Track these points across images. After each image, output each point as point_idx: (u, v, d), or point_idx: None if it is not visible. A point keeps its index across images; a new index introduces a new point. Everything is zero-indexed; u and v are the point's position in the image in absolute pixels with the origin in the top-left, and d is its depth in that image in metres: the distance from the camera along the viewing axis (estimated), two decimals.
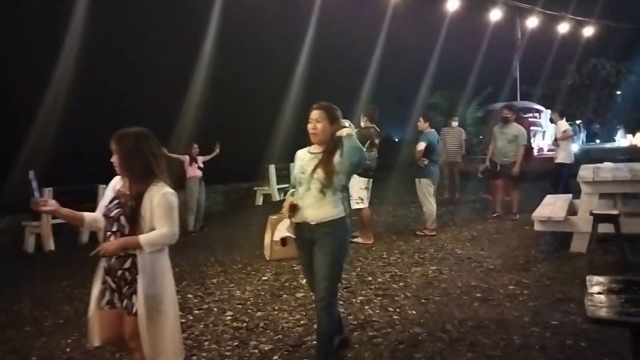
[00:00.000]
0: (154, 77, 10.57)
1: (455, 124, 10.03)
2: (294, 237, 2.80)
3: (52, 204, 2.32)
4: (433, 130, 6.67)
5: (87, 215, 2.47)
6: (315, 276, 2.73)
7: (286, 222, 2.82)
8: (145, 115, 10.00)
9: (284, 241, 2.87)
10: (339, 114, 2.81)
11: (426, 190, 6.49)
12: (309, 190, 2.73)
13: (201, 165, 8.50)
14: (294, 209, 2.75)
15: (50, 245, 7.37)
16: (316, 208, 2.71)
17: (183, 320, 3.89)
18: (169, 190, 2.38)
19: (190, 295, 4.54)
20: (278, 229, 2.87)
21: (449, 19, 14.71)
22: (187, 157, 8.35)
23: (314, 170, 2.72)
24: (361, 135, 6.13)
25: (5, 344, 3.74)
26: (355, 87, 16.35)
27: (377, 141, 6.23)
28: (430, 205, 6.49)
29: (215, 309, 4.12)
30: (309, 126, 2.79)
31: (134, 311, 2.32)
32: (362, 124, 6.28)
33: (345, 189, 2.80)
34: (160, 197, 2.32)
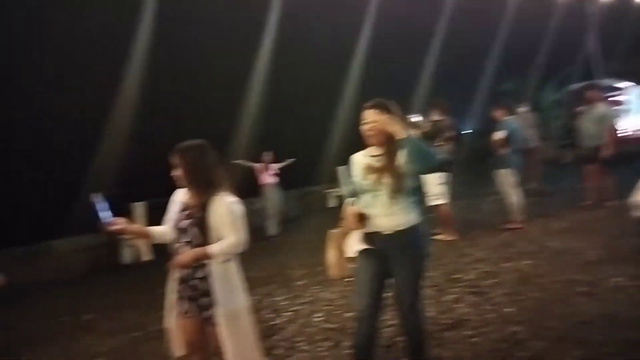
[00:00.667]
0: (216, 86, 11.00)
1: (524, 109, 9.49)
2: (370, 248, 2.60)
3: (119, 223, 2.46)
4: (511, 117, 6.36)
5: (154, 229, 2.61)
6: (396, 287, 2.58)
7: (355, 235, 2.63)
8: (212, 124, 10.42)
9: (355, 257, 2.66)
10: (396, 109, 2.60)
11: (508, 181, 6.19)
12: (378, 197, 2.53)
13: (276, 171, 8.71)
14: (362, 218, 2.55)
15: (146, 255, 7.88)
16: (388, 215, 2.51)
17: (275, 322, 4.00)
18: (232, 199, 2.46)
19: (278, 298, 4.66)
20: (349, 244, 2.67)
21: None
22: (260, 165, 8.58)
23: (380, 174, 2.52)
24: (435, 129, 6.01)
25: (118, 349, 4.04)
26: (417, 80, 15.95)
27: (452, 134, 6.05)
28: (514, 196, 6.19)
29: (304, 311, 4.19)
30: (365, 127, 2.57)
31: (212, 321, 2.41)
32: (435, 117, 6.13)
33: (417, 191, 2.60)
34: (225, 207, 2.41)
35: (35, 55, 8.77)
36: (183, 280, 2.47)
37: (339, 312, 4.05)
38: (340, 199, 12.47)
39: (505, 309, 3.61)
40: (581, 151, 7.05)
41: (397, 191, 2.49)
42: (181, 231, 2.46)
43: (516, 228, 6.09)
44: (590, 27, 16.14)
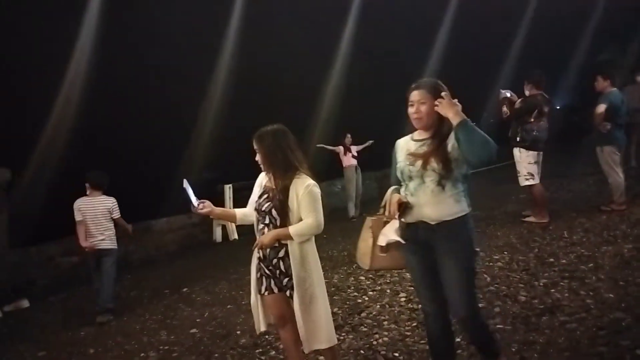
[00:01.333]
0: (297, 74, 11.27)
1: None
2: (403, 241, 2.35)
3: (207, 206, 2.65)
4: (615, 89, 5.79)
5: (238, 211, 2.76)
6: (445, 289, 2.31)
7: (393, 224, 2.40)
8: (294, 110, 10.71)
9: (387, 247, 2.42)
10: (444, 90, 2.30)
11: (611, 159, 5.68)
12: (424, 184, 2.30)
13: (355, 154, 8.74)
14: (403, 207, 2.31)
15: (234, 234, 8.35)
16: (435, 204, 2.27)
17: (359, 301, 4.08)
18: (311, 182, 2.51)
19: (362, 278, 4.72)
20: (383, 233, 2.44)
21: None
22: (341, 148, 8.66)
23: (426, 159, 2.28)
24: (528, 105, 5.66)
25: (214, 320, 4.37)
26: (511, 51, 15.01)
27: (546, 110, 5.66)
28: (617, 175, 5.68)
29: (388, 291, 4.22)
30: (411, 110, 2.36)
31: (289, 295, 2.53)
32: (527, 92, 5.77)
33: (467, 179, 2.34)
34: (304, 189, 2.47)
35: (140, 49, 9.53)
36: (264, 260, 2.58)
37: None
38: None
39: (606, 295, 3.38)
40: None
41: (445, 178, 2.26)
42: (262, 213, 2.57)
43: (618, 210, 5.61)
44: None
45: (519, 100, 5.79)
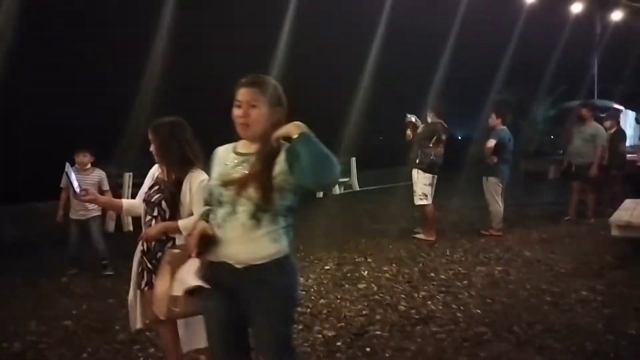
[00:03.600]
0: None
1: None
2: (207, 286, 1.78)
3: (90, 194, 2.60)
4: (505, 127, 6.45)
5: (125, 202, 2.72)
6: (257, 345, 1.88)
7: (193, 264, 1.82)
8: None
9: (184, 297, 1.85)
10: (283, 98, 1.85)
11: (493, 189, 6.31)
12: (235, 215, 1.74)
13: None
14: (206, 241, 1.76)
15: (128, 225, 7.91)
16: (244, 242, 1.74)
17: None
18: (204, 176, 2.45)
19: None
20: (179, 278, 1.86)
21: (523, 11, 14.01)
22: None
23: (243, 183, 1.73)
24: (428, 131, 6.10)
25: (92, 313, 4.10)
26: (421, 81, 16.06)
27: (444, 137, 6.14)
28: (497, 204, 6.31)
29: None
30: (237, 112, 1.78)
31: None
32: (429, 120, 6.21)
33: (291, 212, 1.81)
34: (198, 184, 2.43)
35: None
36: (147, 253, 2.49)
37: (314, 297, 4.14)
38: (348, 187, 12.63)
39: (474, 310, 3.73)
40: (568, 167, 7.21)
41: (263, 210, 1.72)
42: (151, 205, 2.48)
43: (495, 235, 6.23)
44: (595, 47, 16.24)
45: (422, 126, 6.23)
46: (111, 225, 8.07)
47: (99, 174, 5.10)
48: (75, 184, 2.54)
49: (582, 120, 7.12)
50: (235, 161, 1.82)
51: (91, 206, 4.90)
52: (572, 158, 7.14)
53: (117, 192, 7.42)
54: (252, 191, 1.72)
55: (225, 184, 1.77)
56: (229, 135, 1.89)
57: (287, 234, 1.81)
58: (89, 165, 5.05)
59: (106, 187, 5.12)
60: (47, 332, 3.72)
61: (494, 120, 6.45)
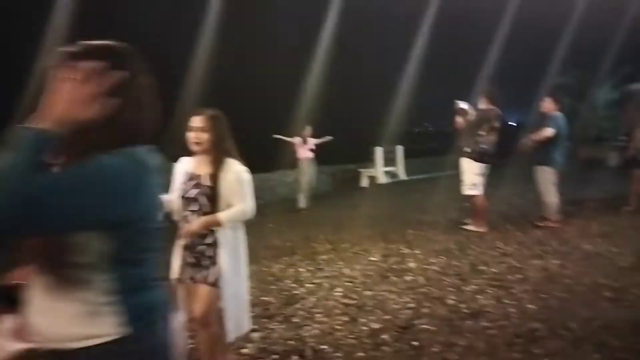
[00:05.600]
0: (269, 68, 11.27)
1: None
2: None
3: None
4: (560, 113, 6.10)
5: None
6: None
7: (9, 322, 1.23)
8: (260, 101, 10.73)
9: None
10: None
11: (548, 179, 6.00)
12: (36, 280, 1.15)
13: (313, 147, 8.78)
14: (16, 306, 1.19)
15: None
16: (46, 315, 1.13)
17: (296, 292, 4.11)
18: (242, 167, 2.47)
19: (302, 269, 4.76)
20: None
21: None
22: (298, 139, 8.67)
23: None
24: (479, 118, 5.87)
25: None
26: (474, 65, 15.51)
27: (497, 124, 5.90)
28: (552, 195, 6.01)
29: (325, 285, 4.27)
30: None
31: (210, 280, 2.43)
32: (481, 106, 5.98)
33: (118, 269, 1.13)
34: (234, 175, 2.42)
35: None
36: (189, 248, 2.48)
37: (359, 289, 4.11)
38: (374, 179, 12.52)
39: (527, 305, 3.58)
40: (630, 155, 6.75)
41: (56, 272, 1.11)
42: (189, 200, 2.46)
43: (552, 227, 5.93)
44: None
45: (473, 112, 5.99)
46: None
47: None
48: None
49: None
50: None
51: None
52: (636, 145, 6.66)
53: None
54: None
55: None
56: None
57: (115, 309, 1.12)
58: None
59: None
60: None
61: (548, 105, 6.11)
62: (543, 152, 5.96)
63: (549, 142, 5.90)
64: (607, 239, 5.33)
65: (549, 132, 5.88)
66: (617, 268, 4.31)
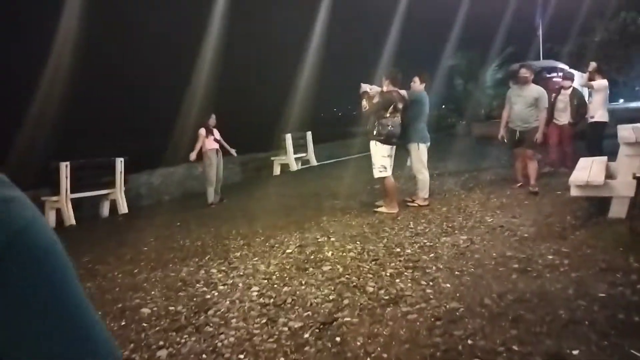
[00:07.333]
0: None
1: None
2: None
3: None
4: (423, 90, 6.29)
5: None
6: None
7: None
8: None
9: None
10: None
11: (419, 156, 6.22)
12: None
13: (218, 137, 8.31)
14: None
15: (71, 219, 7.34)
16: None
17: (208, 297, 3.79)
18: None
19: (214, 270, 4.43)
20: None
21: None
22: (203, 130, 8.14)
23: None
24: (384, 100, 5.87)
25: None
26: (373, 50, 15.83)
27: (400, 106, 5.94)
28: (424, 172, 6.24)
29: (240, 285, 4.00)
30: None
31: None
32: (384, 88, 5.99)
33: None
34: None
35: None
36: None
37: (277, 285, 3.89)
38: (286, 167, 12.32)
39: (443, 285, 3.60)
40: (509, 134, 6.77)
41: None
42: None
43: (421, 205, 6.14)
44: (540, 7, 16.44)
45: (377, 95, 5.98)
46: (51, 221, 7.48)
47: None
48: None
49: (522, 82, 6.54)
50: None
51: None
52: (514, 124, 6.61)
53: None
54: None
55: None
56: None
57: None
58: None
59: None
60: None
61: (417, 85, 6.29)
62: (411, 129, 6.12)
63: (415, 119, 6.09)
64: (507, 211, 5.64)
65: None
66: (520, 239, 4.54)
